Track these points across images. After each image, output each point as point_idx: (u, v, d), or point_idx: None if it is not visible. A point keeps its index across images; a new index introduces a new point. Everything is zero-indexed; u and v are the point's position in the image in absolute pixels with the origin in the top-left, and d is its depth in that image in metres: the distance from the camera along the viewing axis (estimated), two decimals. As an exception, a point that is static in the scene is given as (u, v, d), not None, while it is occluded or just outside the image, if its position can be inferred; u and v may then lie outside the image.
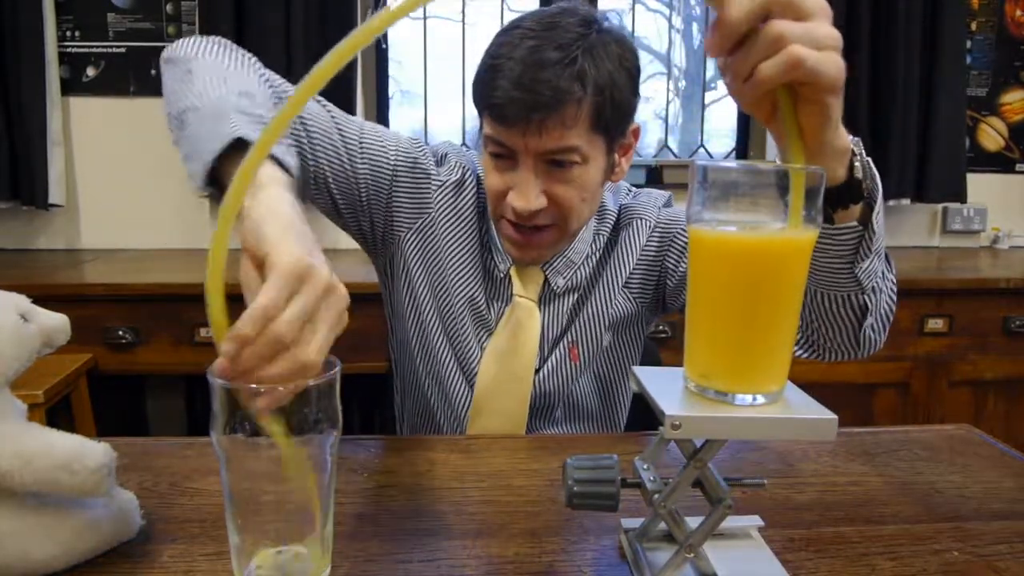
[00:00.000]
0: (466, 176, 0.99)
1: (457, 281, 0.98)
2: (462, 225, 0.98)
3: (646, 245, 1.00)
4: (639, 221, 1.01)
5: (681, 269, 0.98)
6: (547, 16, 0.85)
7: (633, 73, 0.87)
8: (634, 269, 1.00)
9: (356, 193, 0.92)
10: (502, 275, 0.98)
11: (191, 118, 0.69)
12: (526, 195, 0.85)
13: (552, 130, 0.82)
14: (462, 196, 0.98)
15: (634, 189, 1.07)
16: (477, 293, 0.98)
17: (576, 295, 1.00)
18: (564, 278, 0.98)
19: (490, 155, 0.89)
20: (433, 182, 0.97)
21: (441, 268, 0.98)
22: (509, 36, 0.84)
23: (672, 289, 1.00)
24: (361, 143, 0.91)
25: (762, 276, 0.47)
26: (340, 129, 0.90)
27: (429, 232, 0.98)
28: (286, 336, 0.48)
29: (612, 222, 1.02)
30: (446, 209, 0.97)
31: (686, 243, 0.98)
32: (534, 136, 0.82)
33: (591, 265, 1.01)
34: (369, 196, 0.93)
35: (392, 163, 0.94)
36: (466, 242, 0.98)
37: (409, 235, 0.97)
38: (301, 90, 0.47)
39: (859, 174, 0.63)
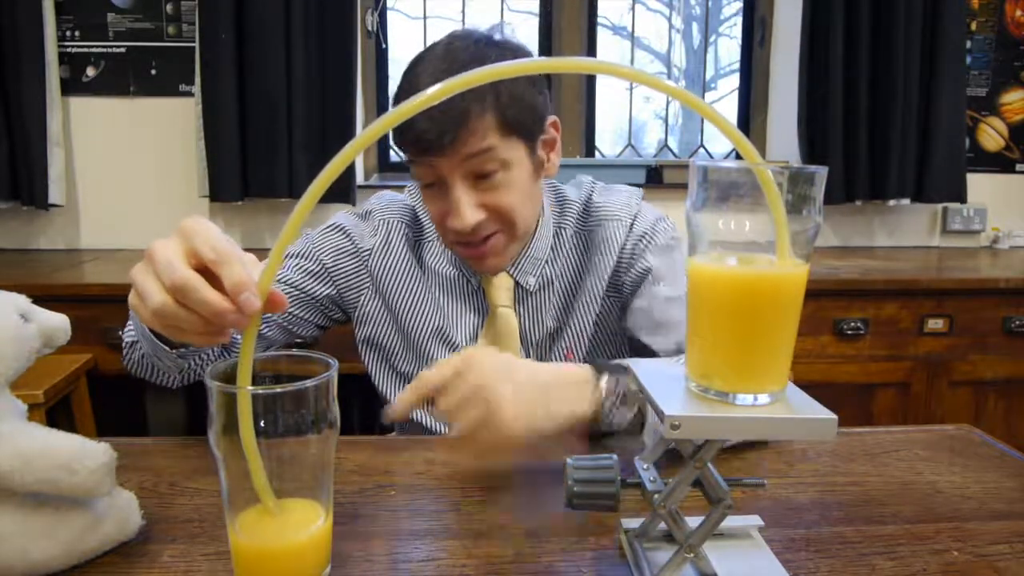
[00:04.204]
0: (392, 228, 1.02)
1: (423, 324, 1.00)
2: (404, 273, 1.01)
3: (623, 247, 1.01)
4: (615, 224, 1.01)
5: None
6: (441, 45, 0.90)
7: (531, 74, 0.90)
8: (613, 272, 1.01)
9: (329, 312, 1.03)
10: (475, 287, 1.00)
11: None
12: (462, 215, 0.88)
13: (467, 136, 0.85)
14: (392, 249, 1.01)
15: (599, 184, 1.07)
16: (447, 325, 1.00)
17: (554, 292, 1.00)
18: (534, 276, 0.99)
19: (423, 187, 0.93)
20: (362, 253, 1.01)
21: (402, 318, 1.01)
22: (413, 75, 0.89)
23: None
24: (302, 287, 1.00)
25: (760, 304, 0.47)
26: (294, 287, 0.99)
27: (380, 294, 1.02)
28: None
29: (576, 215, 1.03)
30: (384, 270, 1.01)
31: (633, 250, 1.00)
32: (453, 150, 0.85)
33: (572, 267, 1.01)
34: (332, 304, 1.02)
35: (331, 274, 1.01)
36: (414, 285, 1.01)
37: (363, 306, 1.02)
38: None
39: (604, 408, 0.71)
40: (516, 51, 0.90)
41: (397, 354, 1.03)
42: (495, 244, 0.92)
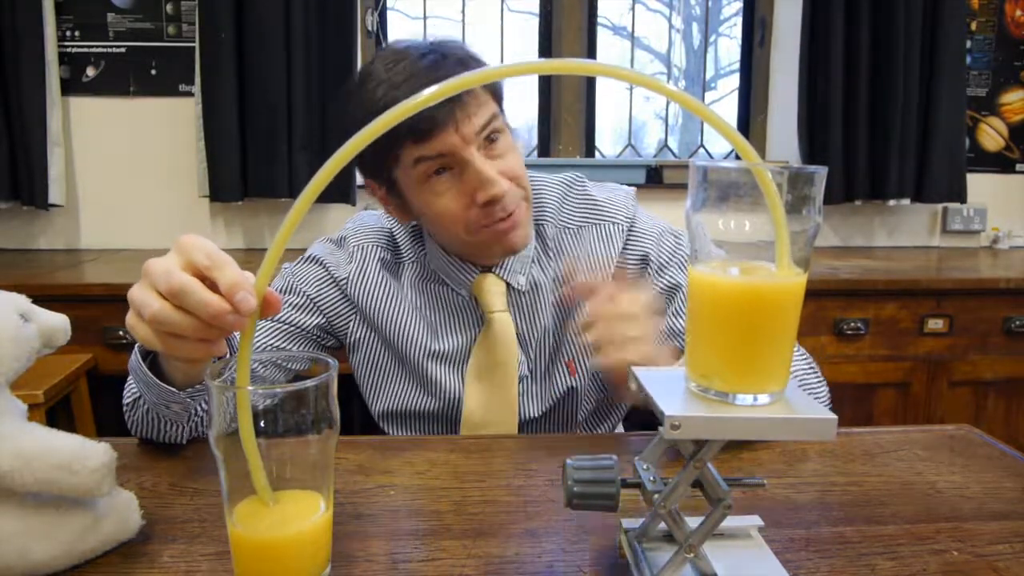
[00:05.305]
0: (367, 253, 1.01)
1: (415, 344, 0.99)
2: (386, 297, 1.00)
3: (622, 251, 1.00)
4: (610, 225, 1.00)
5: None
6: (388, 54, 0.89)
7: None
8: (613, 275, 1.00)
9: (320, 338, 1.02)
10: (466, 298, 0.99)
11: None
12: (494, 179, 0.86)
13: (472, 105, 0.86)
14: (368, 276, 1.00)
15: (586, 180, 1.05)
16: (438, 342, 0.99)
17: (547, 292, 0.99)
18: (523, 275, 0.99)
19: (434, 179, 0.88)
20: (340, 282, 1.00)
21: (393, 340, 1.00)
22: (372, 82, 0.87)
23: None
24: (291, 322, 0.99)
25: (760, 313, 0.47)
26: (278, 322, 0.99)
27: (366, 320, 1.01)
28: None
29: (555, 211, 1.02)
30: (364, 297, 0.99)
31: (658, 266, 1.00)
32: (465, 121, 0.85)
33: (562, 267, 1.00)
34: (324, 333, 1.02)
35: (318, 304, 1.00)
36: (399, 306, 1.00)
37: (352, 333, 1.02)
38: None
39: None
40: (461, 52, 0.90)
41: (393, 375, 1.02)
42: (520, 214, 0.92)
